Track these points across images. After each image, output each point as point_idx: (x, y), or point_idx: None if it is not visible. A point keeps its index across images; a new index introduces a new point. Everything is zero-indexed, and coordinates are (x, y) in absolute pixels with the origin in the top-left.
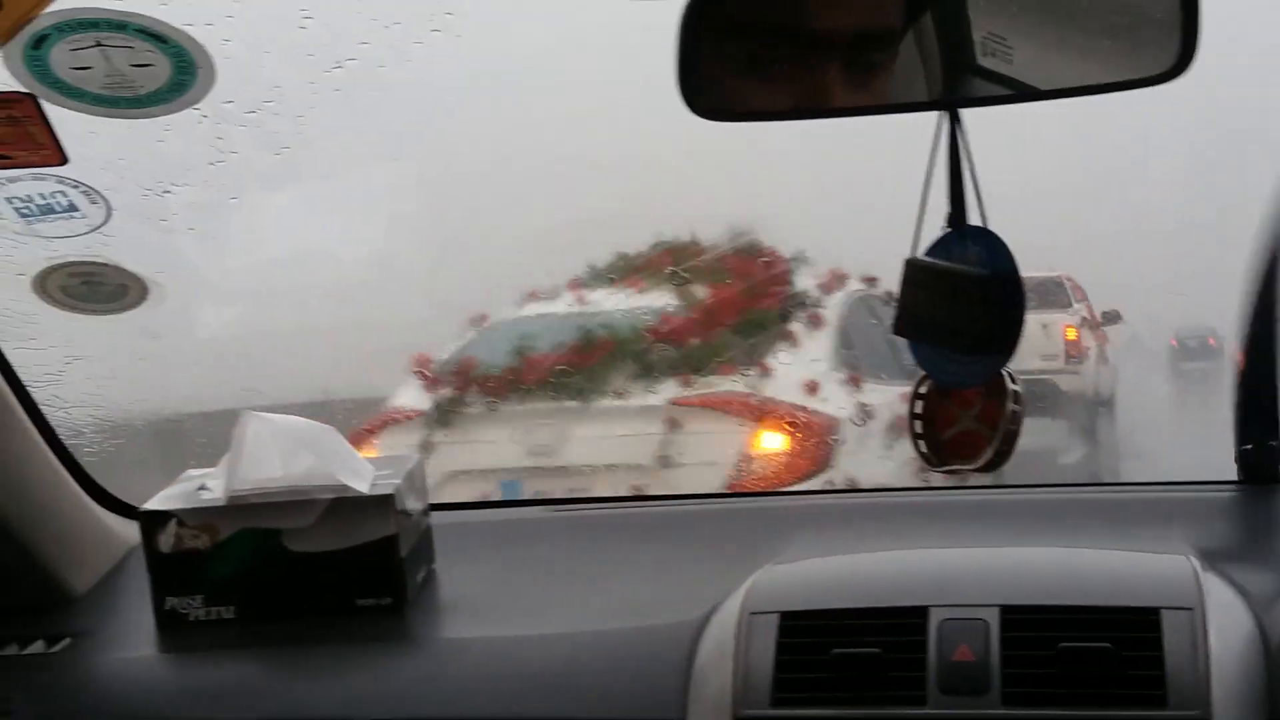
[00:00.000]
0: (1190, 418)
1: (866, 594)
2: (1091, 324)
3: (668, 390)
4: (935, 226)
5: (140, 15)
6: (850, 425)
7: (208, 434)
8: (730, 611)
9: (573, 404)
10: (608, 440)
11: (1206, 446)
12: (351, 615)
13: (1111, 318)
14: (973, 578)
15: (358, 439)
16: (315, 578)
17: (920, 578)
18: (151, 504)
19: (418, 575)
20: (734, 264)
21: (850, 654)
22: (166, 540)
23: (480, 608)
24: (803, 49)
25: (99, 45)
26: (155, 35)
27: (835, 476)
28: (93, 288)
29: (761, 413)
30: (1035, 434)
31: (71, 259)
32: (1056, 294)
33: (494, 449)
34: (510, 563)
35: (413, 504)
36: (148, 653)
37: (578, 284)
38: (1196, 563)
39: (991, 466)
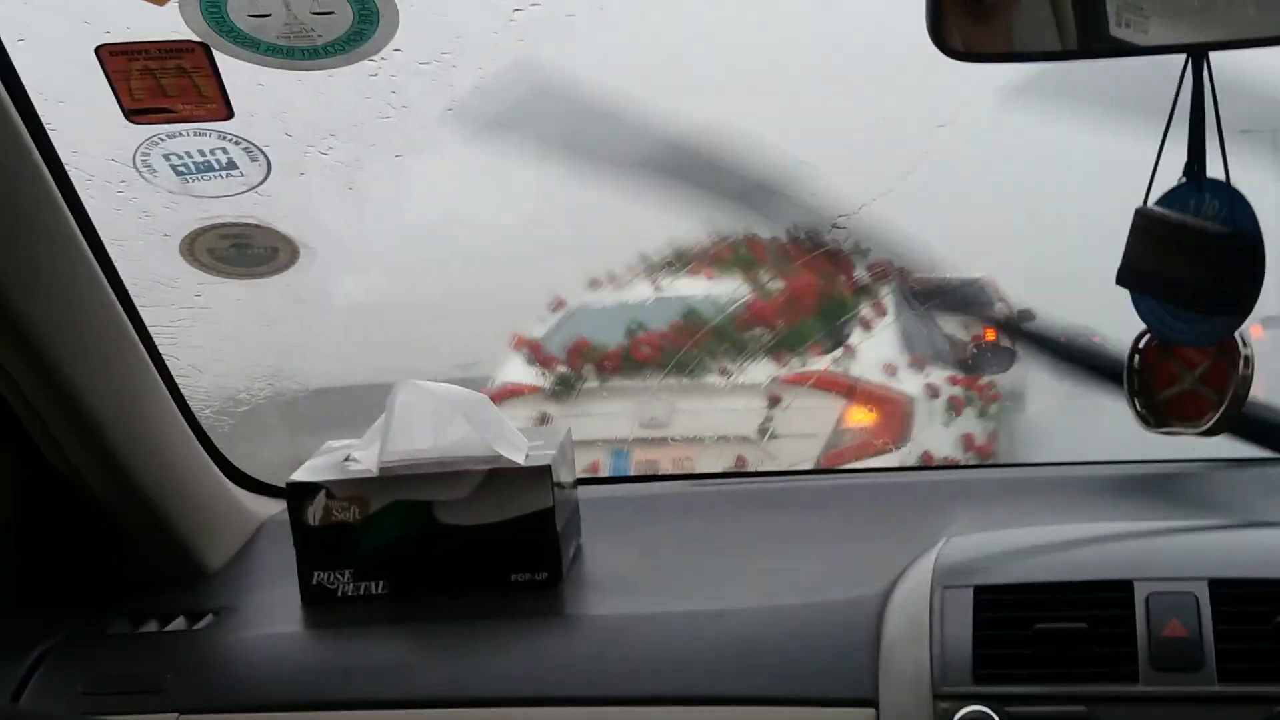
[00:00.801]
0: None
1: (1064, 567)
2: (1008, 325)
3: (765, 369)
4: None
5: None
6: (922, 401)
7: (319, 409)
8: (918, 585)
9: (679, 381)
10: (714, 414)
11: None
12: (505, 590)
13: (1026, 316)
14: (1175, 550)
15: None
16: (468, 552)
17: (1119, 550)
18: (298, 475)
19: (570, 550)
20: (797, 254)
21: (1055, 629)
22: (315, 512)
23: (636, 584)
24: None
25: None
26: None
27: (914, 448)
28: (241, 250)
29: (851, 389)
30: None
31: (224, 219)
32: (979, 294)
33: (607, 421)
34: (657, 538)
35: (565, 476)
36: (295, 629)
37: (644, 271)
38: None
39: (1215, 431)
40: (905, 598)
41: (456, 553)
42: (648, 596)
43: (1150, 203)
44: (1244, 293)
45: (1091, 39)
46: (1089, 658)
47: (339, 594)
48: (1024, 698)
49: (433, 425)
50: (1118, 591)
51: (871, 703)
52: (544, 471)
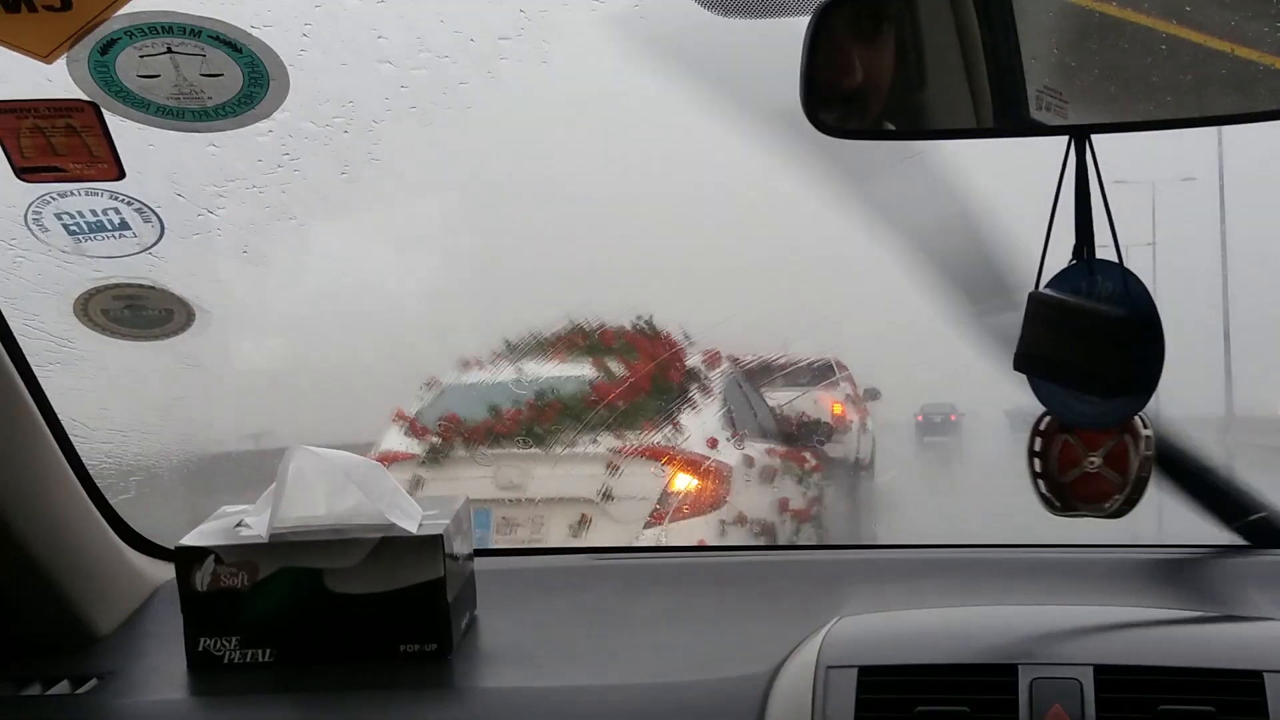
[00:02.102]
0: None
1: (950, 650)
2: (855, 399)
3: (607, 441)
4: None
5: (216, 20)
6: (740, 470)
7: (217, 472)
8: (804, 665)
9: (533, 450)
10: (562, 479)
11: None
12: (394, 661)
13: (872, 394)
14: (1062, 635)
15: None
16: (357, 621)
17: (1006, 634)
18: (188, 540)
19: (462, 621)
20: (639, 342)
21: (937, 711)
22: (203, 578)
23: (526, 657)
24: (923, 71)
25: (170, 52)
26: (229, 43)
27: (728, 512)
28: (136, 311)
29: (677, 459)
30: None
31: (117, 280)
32: (826, 373)
33: (471, 484)
34: (554, 611)
35: (459, 547)
36: (178, 696)
37: (503, 355)
38: None
39: (1120, 513)
40: (792, 677)
41: (345, 622)
42: (538, 670)
43: (1042, 285)
44: (1144, 374)
45: (972, 121)
46: None
47: (225, 661)
48: None
49: (325, 492)
50: (1002, 676)
51: None
52: (435, 541)
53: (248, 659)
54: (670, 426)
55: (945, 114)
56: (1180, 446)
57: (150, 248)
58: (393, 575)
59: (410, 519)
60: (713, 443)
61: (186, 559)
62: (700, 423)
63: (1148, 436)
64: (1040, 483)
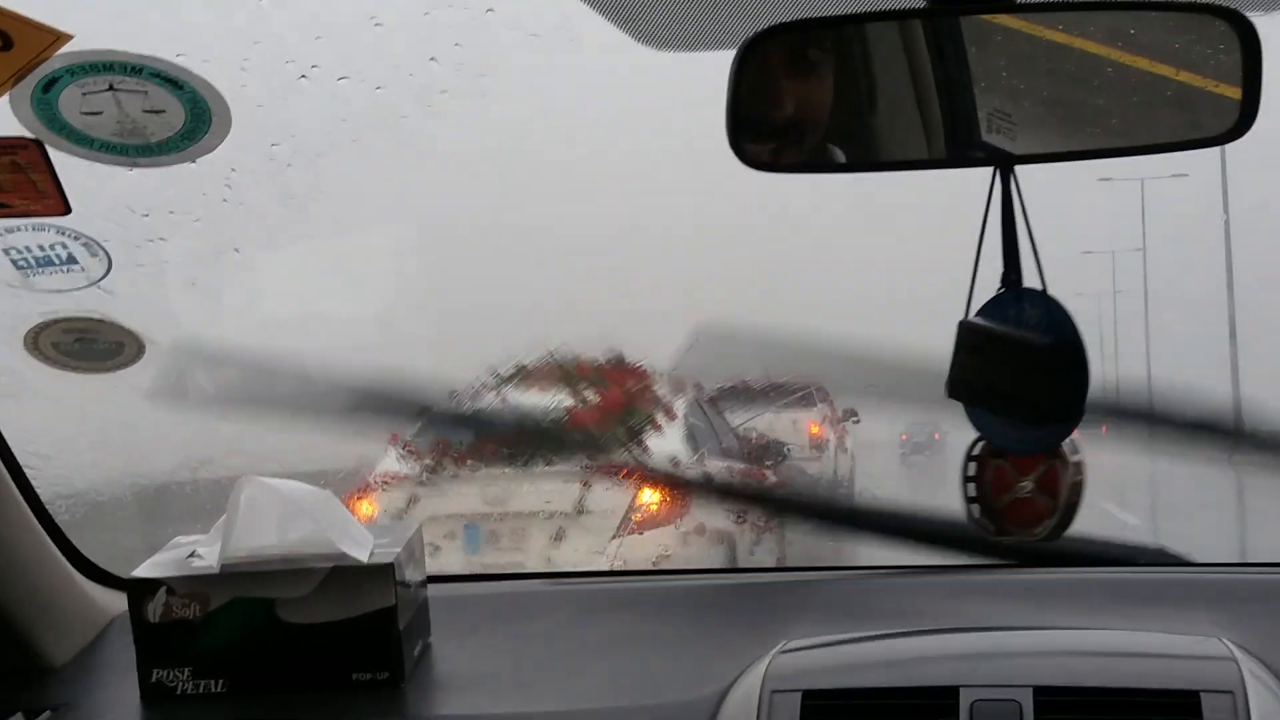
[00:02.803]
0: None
1: (893, 673)
2: (833, 420)
3: (580, 461)
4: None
5: (157, 59)
6: (704, 487)
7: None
8: (749, 689)
9: (516, 470)
10: (540, 495)
11: None
12: (347, 690)
13: (849, 414)
14: (1003, 658)
15: (358, 494)
16: (310, 650)
17: (948, 657)
18: (140, 571)
19: (414, 649)
20: (611, 374)
21: None
22: (155, 609)
23: (479, 684)
24: (849, 104)
25: (112, 89)
26: (171, 80)
27: (689, 523)
28: (86, 345)
29: (643, 477)
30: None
31: (67, 314)
32: (805, 397)
33: (461, 500)
34: (508, 637)
35: (411, 575)
36: None
37: (488, 384)
38: (1233, 646)
39: (1052, 537)
40: (738, 701)
41: (298, 651)
42: (489, 697)
43: (971, 314)
44: (1071, 401)
45: (893, 154)
46: None
47: (178, 692)
48: None
49: (277, 522)
50: (943, 698)
51: None
52: (387, 570)
53: (200, 690)
54: (638, 447)
55: (870, 147)
56: None
57: (98, 281)
58: (345, 604)
59: (361, 548)
60: (676, 462)
61: (139, 590)
62: (665, 443)
63: (1077, 462)
64: (974, 507)
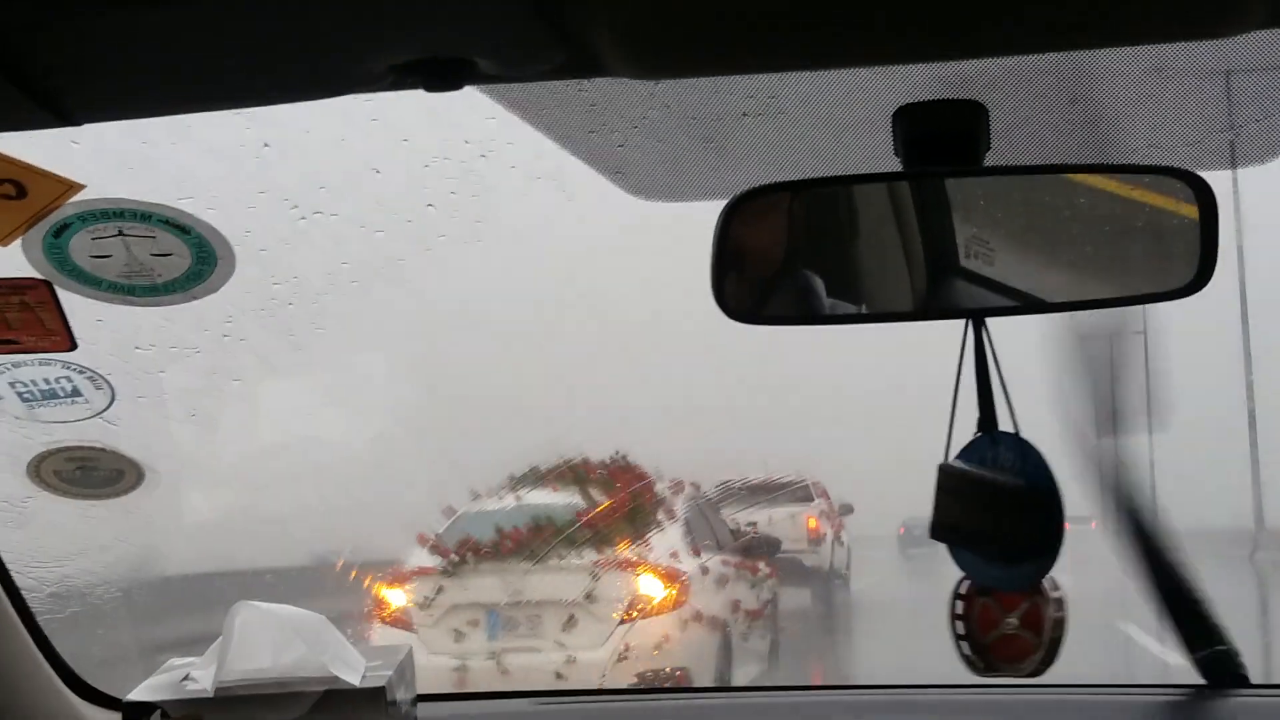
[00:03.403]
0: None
1: None
2: (830, 514)
3: (589, 554)
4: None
5: (165, 206)
6: (697, 577)
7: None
8: None
9: (532, 564)
10: (554, 585)
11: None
12: None
13: (846, 509)
14: None
15: (391, 583)
16: None
17: None
18: (135, 695)
19: None
20: (616, 475)
21: None
22: None
23: None
24: (828, 260)
25: (121, 235)
26: (179, 226)
27: (691, 609)
28: (87, 473)
29: (646, 568)
30: (790, 597)
31: (68, 444)
32: (802, 492)
33: (484, 591)
34: None
35: (403, 695)
36: None
37: (510, 486)
38: None
39: (1039, 672)
40: None
41: None
42: None
43: (950, 457)
44: (1046, 540)
45: (870, 306)
46: None
47: None
48: None
49: (271, 646)
50: None
51: None
52: (379, 693)
53: None
54: (641, 543)
55: (849, 301)
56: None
57: (101, 413)
58: None
59: (354, 670)
60: (675, 555)
61: (134, 713)
62: (666, 539)
63: (1057, 599)
64: (963, 644)
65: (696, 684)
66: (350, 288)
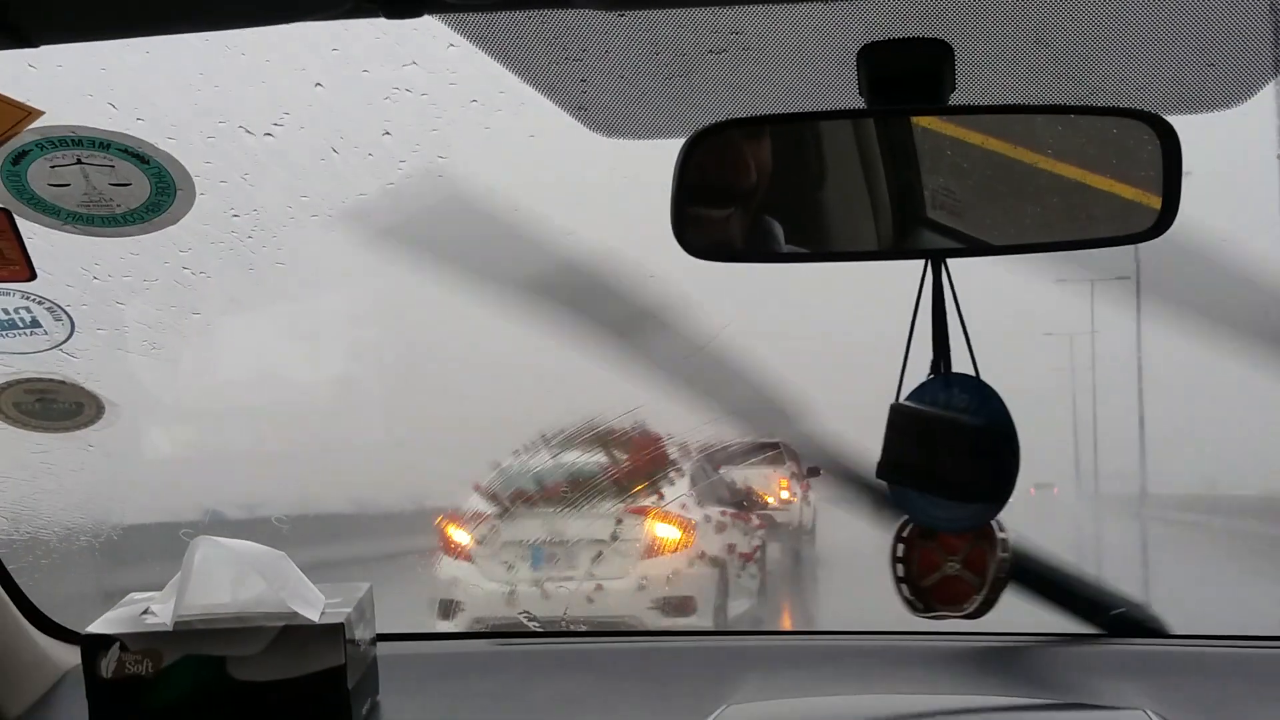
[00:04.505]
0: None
1: None
2: (799, 476)
3: (615, 503)
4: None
5: (124, 135)
6: (701, 523)
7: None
8: None
9: (570, 509)
10: (587, 527)
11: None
12: None
13: (813, 471)
14: None
15: (449, 524)
16: (260, 707)
17: None
18: (94, 627)
19: (363, 708)
20: (636, 439)
21: None
22: (108, 665)
23: None
24: (790, 197)
25: (79, 163)
26: (138, 155)
27: (695, 549)
28: (47, 405)
29: (660, 515)
30: (772, 548)
31: (28, 375)
32: (775, 456)
33: (531, 531)
34: (454, 696)
35: (361, 634)
36: None
37: (545, 444)
38: (1152, 715)
39: (978, 614)
40: None
41: (248, 708)
42: None
43: (902, 398)
44: (999, 481)
45: (830, 245)
46: None
47: None
48: None
49: (230, 581)
50: None
51: None
52: (337, 629)
53: None
54: (656, 494)
55: (808, 239)
56: (1033, 553)
57: (61, 344)
58: (295, 662)
59: (313, 607)
60: (684, 504)
61: (92, 646)
62: (675, 491)
63: (1003, 539)
64: (903, 587)
65: (700, 611)
66: (311, 222)
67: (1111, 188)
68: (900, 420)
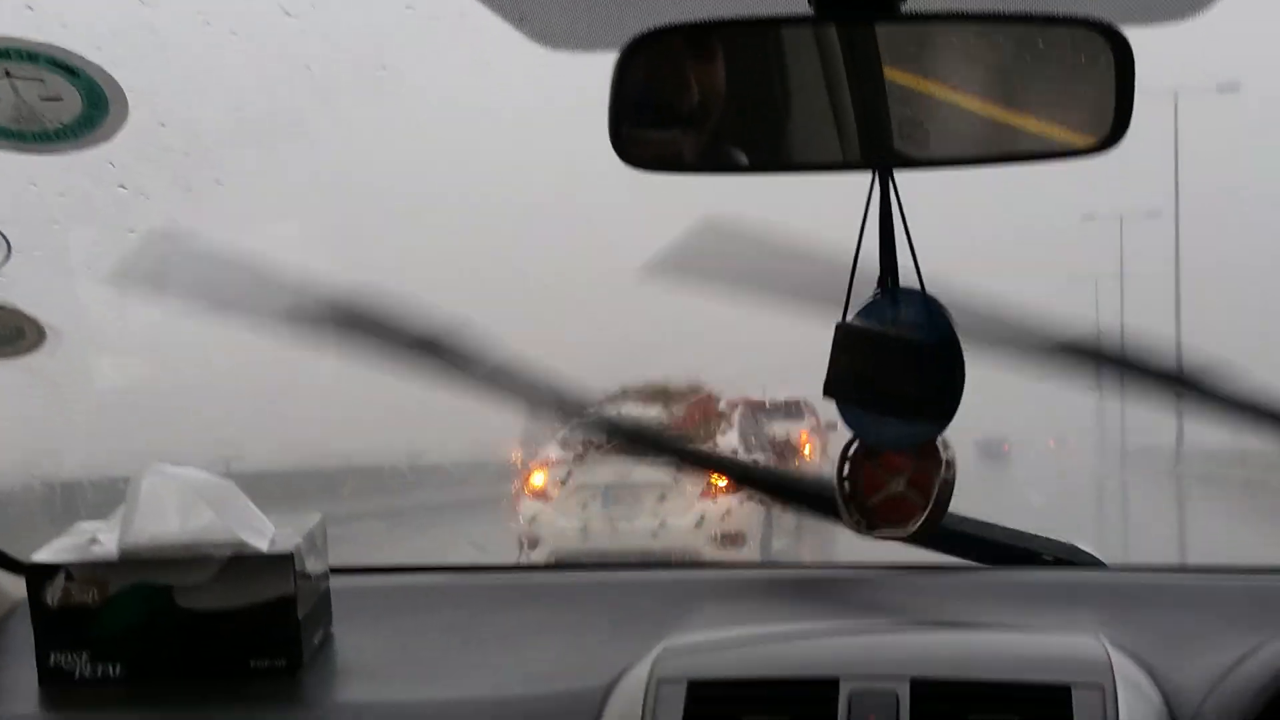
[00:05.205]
0: None
1: (777, 664)
2: (818, 430)
3: (673, 450)
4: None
5: (53, 46)
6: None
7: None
8: (637, 679)
9: (632, 456)
10: (649, 471)
11: None
12: (244, 677)
13: (831, 426)
14: (884, 651)
15: (536, 467)
16: (208, 636)
17: (831, 649)
18: (39, 556)
19: (314, 638)
20: (690, 395)
21: None
22: (53, 594)
23: (377, 672)
24: (732, 107)
25: (8, 76)
26: (68, 68)
27: (744, 493)
28: None
29: (713, 463)
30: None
31: None
32: (794, 411)
33: (601, 474)
34: (409, 628)
35: (313, 565)
36: (29, 710)
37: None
38: (1105, 642)
39: (922, 533)
40: (626, 691)
41: (196, 637)
42: (386, 686)
43: (849, 317)
44: (945, 399)
45: (776, 157)
46: None
47: (76, 676)
48: None
49: (178, 510)
50: (824, 689)
51: None
52: (286, 559)
53: (98, 674)
54: (710, 442)
55: (752, 150)
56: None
57: None
58: (244, 592)
59: (262, 537)
60: (734, 452)
61: (37, 575)
62: (727, 440)
63: (948, 460)
64: (849, 506)
65: (749, 546)
66: (249, 139)
67: (1063, 99)
68: (846, 339)
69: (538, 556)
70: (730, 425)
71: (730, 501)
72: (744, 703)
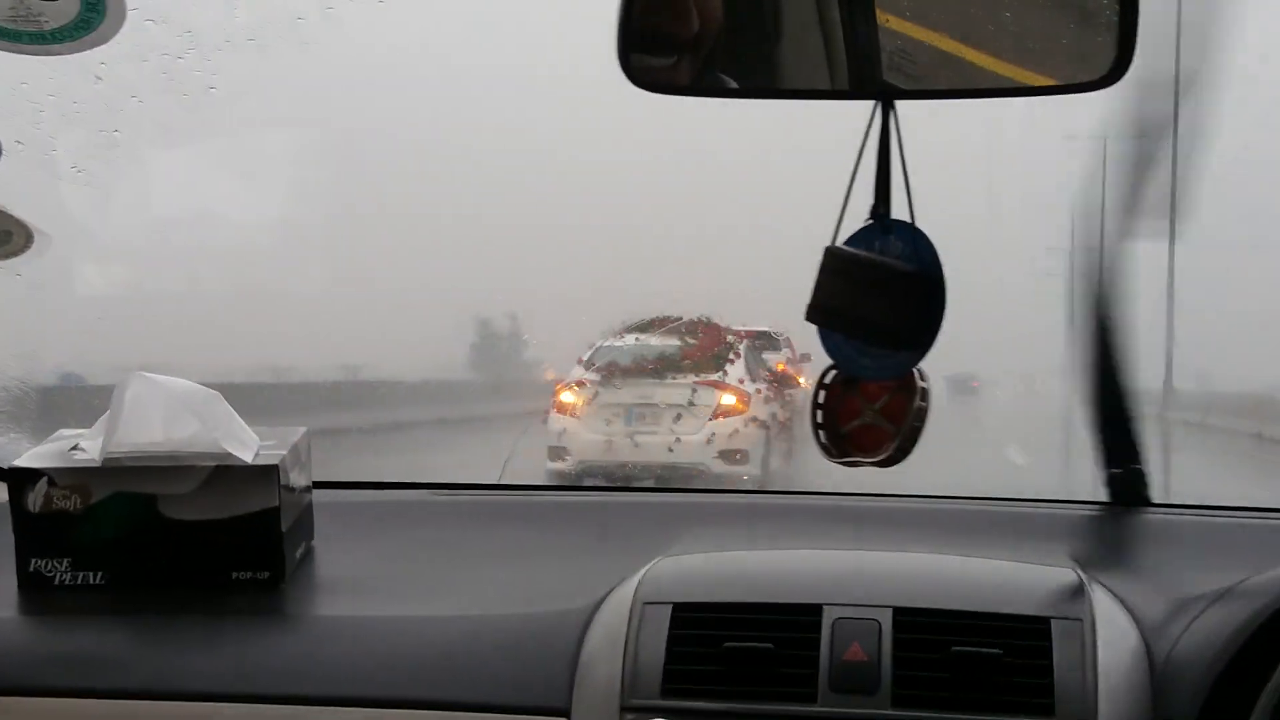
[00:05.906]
0: None
1: (761, 589)
2: (794, 361)
3: (689, 377)
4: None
5: None
6: (753, 395)
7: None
8: (622, 601)
9: (654, 380)
10: (668, 394)
11: None
12: (226, 588)
13: (804, 357)
14: (867, 579)
15: (565, 388)
16: (191, 547)
17: (815, 576)
18: (21, 461)
19: (297, 551)
20: (702, 327)
21: (742, 648)
22: (35, 500)
23: (359, 587)
24: (740, 29)
25: None
26: None
27: (751, 414)
28: None
29: (723, 386)
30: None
31: None
32: (773, 341)
33: (623, 396)
34: (392, 544)
35: (296, 478)
36: (8, 614)
37: (626, 331)
38: (1084, 576)
39: (891, 462)
40: (610, 612)
41: (178, 547)
42: (367, 600)
43: (839, 242)
44: (925, 329)
45: (782, 81)
46: (772, 677)
47: (56, 582)
48: (707, 713)
49: (162, 419)
50: (807, 615)
51: (564, 713)
52: (270, 471)
53: (79, 581)
54: (720, 369)
55: (757, 74)
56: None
57: None
58: (227, 503)
59: (247, 448)
60: (741, 380)
61: (19, 480)
62: (735, 370)
63: (923, 389)
64: (821, 433)
65: (754, 461)
66: (248, 45)
67: (1067, 31)
68: (833, 263)
69: (565, 468)
70: (738, 355)
71: (736, 423)
72: (727, 627)
